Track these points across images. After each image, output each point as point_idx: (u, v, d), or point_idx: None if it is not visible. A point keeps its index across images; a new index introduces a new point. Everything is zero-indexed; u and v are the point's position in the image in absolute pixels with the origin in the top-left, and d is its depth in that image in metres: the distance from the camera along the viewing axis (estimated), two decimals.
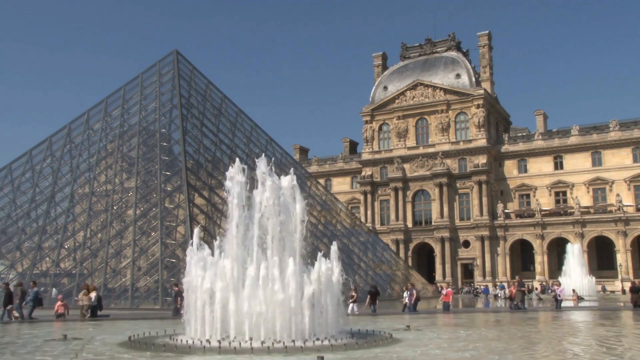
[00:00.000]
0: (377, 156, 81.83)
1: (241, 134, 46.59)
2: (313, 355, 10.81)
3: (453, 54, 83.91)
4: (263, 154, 14.84)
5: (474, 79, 79.56)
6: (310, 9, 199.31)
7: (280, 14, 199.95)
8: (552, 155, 75.11)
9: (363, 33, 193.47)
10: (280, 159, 47.43)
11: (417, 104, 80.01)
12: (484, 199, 74.17)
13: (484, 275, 72.89)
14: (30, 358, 11.80)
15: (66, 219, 40.25)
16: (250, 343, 12.39)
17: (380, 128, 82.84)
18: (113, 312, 26.72)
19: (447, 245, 75.02)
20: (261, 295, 13.13)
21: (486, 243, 73.65)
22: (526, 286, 48.53)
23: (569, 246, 62.25)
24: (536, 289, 60.29)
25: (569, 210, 71.71)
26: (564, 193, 74.01)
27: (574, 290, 42.45)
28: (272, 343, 12.37)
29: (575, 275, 56.87)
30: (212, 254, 14.06)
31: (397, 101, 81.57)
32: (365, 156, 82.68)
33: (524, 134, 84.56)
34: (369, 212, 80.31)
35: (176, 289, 25.63)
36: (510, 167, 77.41)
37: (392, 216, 78.53)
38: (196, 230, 14.85)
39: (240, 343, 12.39)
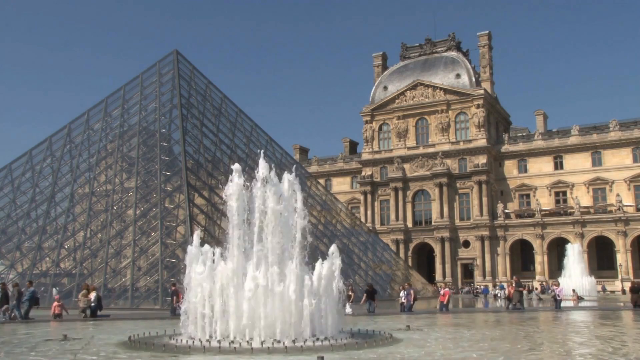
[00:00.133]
0: (377, 156, 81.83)
1: (241, 134, 46.60)
2: (313, 355, 10.80)
3: (453, 54, 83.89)
4: (263, 154, 14.80)
5: (474, 79, 79.54)
6: (310, 9, 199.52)
7: (280, 14, 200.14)
8: (552, 155, 75.10)
9: (363, 33, 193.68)
10: (280, 159, 47.46)
11: (417, 104, 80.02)
12: (484, 199, 74.17)
13: (484, 275, 72.89)
14: (31, 358, 11.77)
15: (66, 219, 40.26)
16: (250, 343, 12.38)
17: (380, 128, 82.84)
18: (113, 312, 26.74)
19: (447, 245, 75.02)
20: (261, 295, 13.12)
21: (486, 243, 73.65)
22: (526, 286, 48.61)
23: (569, 246, 62.22)
24: (536, 289, 60.30)
25: (569, 210, 71.70)
26: (564, 193, 74.01)
27: (574, 290, 42.41)
28: (272, 343, 12.36)
29: (575, 275, 56.91)
30: (213, 254, 14.06)
31: (397, 101, 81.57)
32: (365, 156, 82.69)
33: (524, 134, 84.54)
34: (369, 212, 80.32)
35: (173, 288, 25.67)
36: (510, 167, 77.40)
37: (392, 216, 78.54)
38: (196, 231, 14.84)
39: (240, 343, 12.39)
